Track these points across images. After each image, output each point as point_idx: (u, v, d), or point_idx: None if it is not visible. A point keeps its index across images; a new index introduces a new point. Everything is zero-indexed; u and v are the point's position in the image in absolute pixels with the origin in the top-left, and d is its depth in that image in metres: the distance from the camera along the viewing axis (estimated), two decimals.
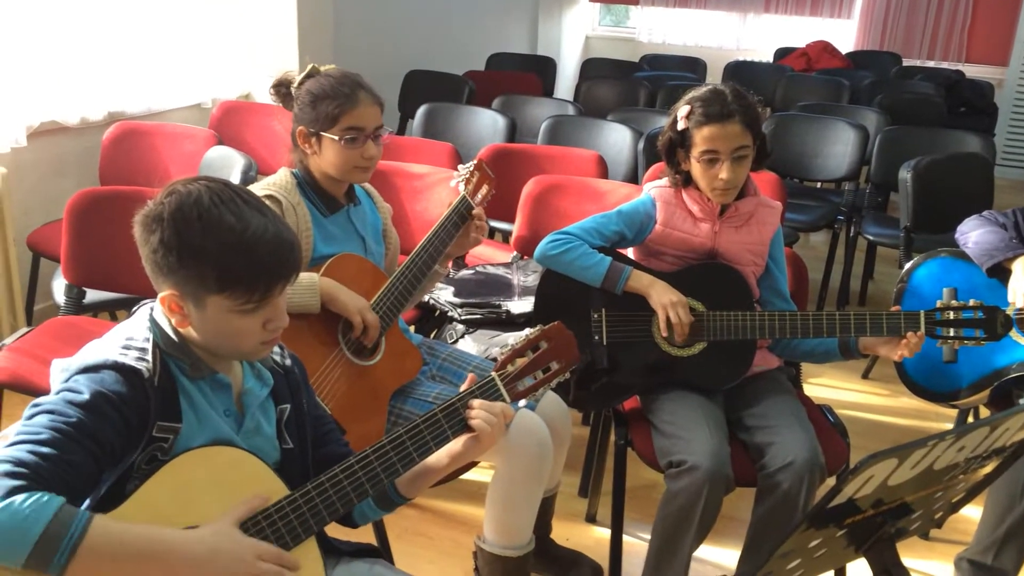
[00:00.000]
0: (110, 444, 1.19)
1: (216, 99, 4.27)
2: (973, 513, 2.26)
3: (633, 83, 5.61)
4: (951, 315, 2.02)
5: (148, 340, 1.28)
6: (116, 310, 3.08)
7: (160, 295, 1.27)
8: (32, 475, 1.10)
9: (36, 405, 1.19)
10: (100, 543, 1.10)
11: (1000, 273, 2.28)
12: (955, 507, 1.39)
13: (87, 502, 1.21)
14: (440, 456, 1.41)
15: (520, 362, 1.44)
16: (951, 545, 2.51)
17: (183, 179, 1.28)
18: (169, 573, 1.17)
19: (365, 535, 1.95)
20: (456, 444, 1.40)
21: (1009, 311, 2.22)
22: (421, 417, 1.37)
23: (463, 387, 1.42)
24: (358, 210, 2.12)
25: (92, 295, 2.67)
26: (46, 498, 1.08)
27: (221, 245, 1.22)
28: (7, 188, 3.16)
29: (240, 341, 1.29)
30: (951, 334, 2.02)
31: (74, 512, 1.10)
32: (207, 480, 1.26)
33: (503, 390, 1.42)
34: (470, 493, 2.69)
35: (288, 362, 1.45)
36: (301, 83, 2.02)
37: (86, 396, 1.18)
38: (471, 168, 2.19)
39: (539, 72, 6.20)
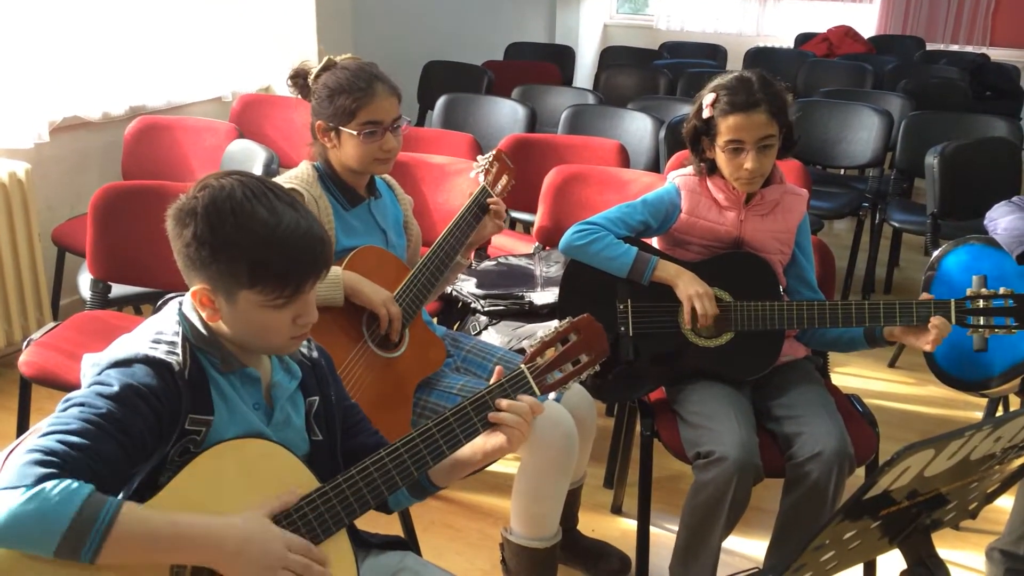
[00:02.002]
0: (141, 437, 1.19)
1: (236, 92, 4.28)
2: (1005, 503, 2.23)
3: (653, 71, 5.57)
4: (981, 304, 1.99)
5: (178, 334, 1.28)
6: (141, 304, 3.10)
7: (192, 289, 1.27)
8: (62, 463, 1.11)
9: (68, 399, 1.20)
10: (130, 529, 1.10)
11: None
12: (990, 497, 1.37)
13: (120, 495, 1.21)
14: (473, 451, 1.40)
15: (549, 354, 1.43)
16: (983, 535, 2.48)
17: (215, 174, 1.28)
18: (199, 558, 1.18)
19: (393, 527, 1.96)
20: (487, 441, 1.39)
21: None
22: (450, 410, 1.37)
23: (492, 380, 1.42)
24: (379, 203, 2.12)
25: (117, 289, 2.68)
26: (75, 485, 1.08)
27: (254, 240, 1.22)
28: (31, 183, 3.18)
29: (270, 336, 1.29)
30: (981, 323, 1.99)
31: (103, 499, 1.10)
32: (238, 472, 1.26)
33: (532, 383, 1.41)
34: (496, 485, 2.69)
35: (316, 354, 1.45)
36: (318, 76, 2.01)
37: (116, 389, 1.19)
38: (490, 158, 2.18)
39: (558, 61, 6.18)
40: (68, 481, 1.08)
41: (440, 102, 4.30)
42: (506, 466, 2.69)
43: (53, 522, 1.06)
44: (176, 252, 1.27)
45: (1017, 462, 1.29)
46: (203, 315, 1.29)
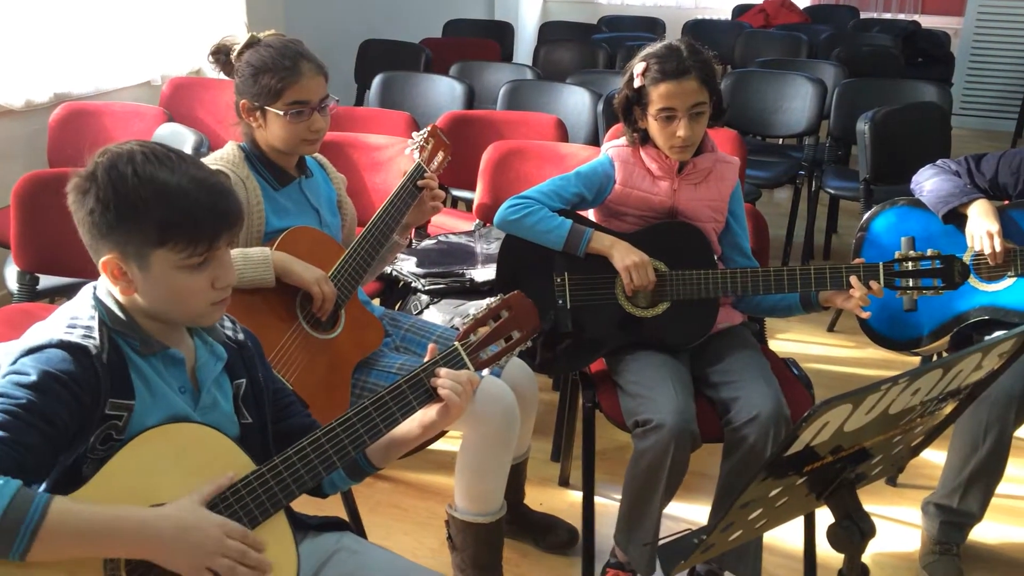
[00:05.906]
0: (63, 424, 1.16)
1: (166, 76, 4.18)
2: (939, 458, 2.30)
3: (592, 45, 5.57)
4: (909, 266, 2.03)
5: (94, 318, 1.25)
6: (71, 295, 3.01)
7: (101, 260, 1.23)
8: None
9: None
10: (61, 525, 1.08)
11: (956, 219, 2.30)
12: (915, 451, 1.40)
13: (43, 486, 1.19)
14: (411, 427, 1.41)
15: (482, 331, 1.46)
16: (919, 490, 2.55)
17: (115, 143, 1.25)
18: (134, 552, 1.15)
19: (335, 508, 1.94)
20: (426, 414, 1.40)
21: (966, 257, 2.25)
22: (386, 389, 1.37)
23: (426, 357, 1.42)
24: (311, 182, 2.08)
25: (46, 281, 2.61)
26: (1, 482, 1.05)
27: (157, 194, 1.19)
28: None
29: (189, 302, 1.26)
30: (910, 284, 2.03)
31: (32, 495, 1.07)
32: (172, 458, 1.24)
33: (467, 359, 1.43)
34: (442, 463, 2.68)
35: (241, 336, 1.43)
36: (240, 53, 1.96)
37: (33, 377, 1.16)
38: (425, 135, 2.16)
39: (497, 37, 6.14)
40: None
41: (376, 81, 4.24)
42: (451, 444, 2.68)
43: None
44: (80, 225, 1.24)
45: (939, 415, 1.32)
46: (117, 289, 1.25)
